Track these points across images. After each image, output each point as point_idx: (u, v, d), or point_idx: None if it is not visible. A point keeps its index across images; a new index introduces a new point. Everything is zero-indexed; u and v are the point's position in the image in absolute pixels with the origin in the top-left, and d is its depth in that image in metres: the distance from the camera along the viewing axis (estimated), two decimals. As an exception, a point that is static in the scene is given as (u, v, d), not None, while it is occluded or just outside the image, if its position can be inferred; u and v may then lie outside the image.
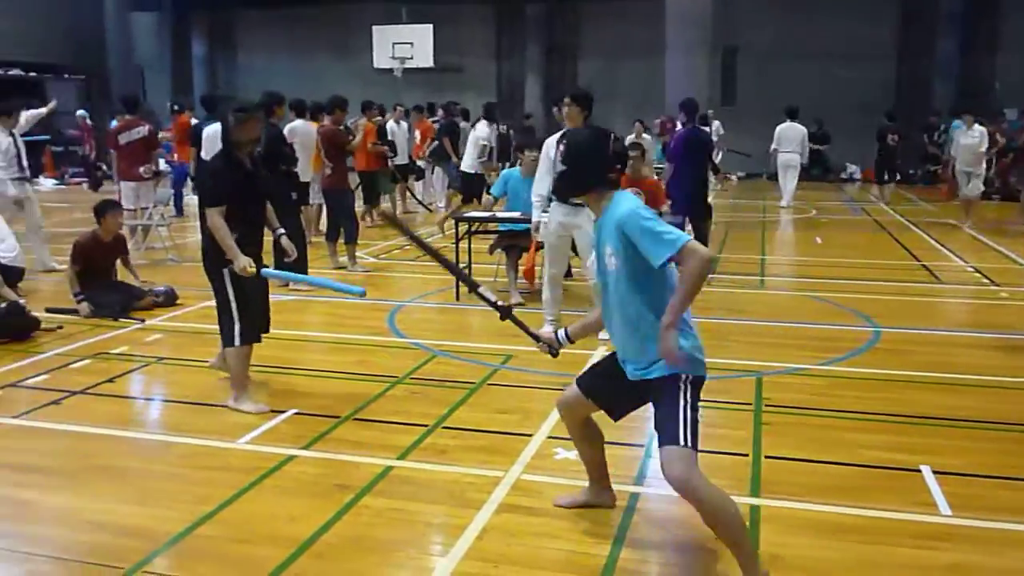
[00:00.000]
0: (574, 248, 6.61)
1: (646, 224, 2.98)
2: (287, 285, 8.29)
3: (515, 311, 3.78)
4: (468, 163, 12.38)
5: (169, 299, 7.72)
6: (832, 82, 21.23)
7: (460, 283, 8.10)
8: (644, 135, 15.53)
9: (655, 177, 9.99)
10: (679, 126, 11.21)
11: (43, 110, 11.08)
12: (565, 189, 3.45)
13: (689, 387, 3.08)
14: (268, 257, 5.41)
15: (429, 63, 20.55)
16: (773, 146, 16.06)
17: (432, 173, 15.83)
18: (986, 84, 20.35)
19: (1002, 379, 5.59)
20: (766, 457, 4.32)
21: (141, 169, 10.37)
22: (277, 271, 5.42)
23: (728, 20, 21.18)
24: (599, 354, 5.88)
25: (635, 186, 7.52)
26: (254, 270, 4.86)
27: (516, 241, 8.04)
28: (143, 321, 7.15)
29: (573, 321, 3.70)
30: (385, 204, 14.45)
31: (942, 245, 11.32)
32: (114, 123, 12.12)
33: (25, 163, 9.44)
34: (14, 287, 7.73)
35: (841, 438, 4.58)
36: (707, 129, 14.88)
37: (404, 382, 5.58)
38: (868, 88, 21.17)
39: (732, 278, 9.10)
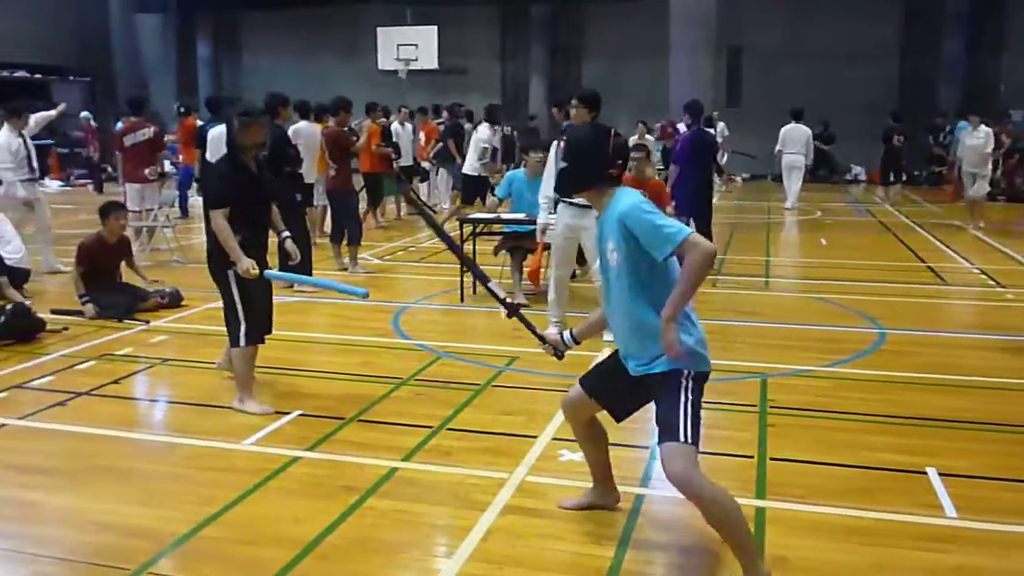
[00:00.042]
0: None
1: (647, 217, 2.97)
2: (292, 286, 8.30)
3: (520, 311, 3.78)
4: (470, 165, 12.38)
5: (174, 300, 7.73)
6: (837, 83, 21.20)
7: (473, 276, 8.13)
8: (647, 136, 15.52)
9: (658, 178, 9.98)
10: (683, 128, 11.22)
11: (52, 112, 11.11)
12: (566, 186, 3.45)
13: (691, 383, 3.06)
14: (273, 259, 5.42)
15: (433, 65, 20.55)
16: (777, 147, 16.04)
17: (436, 175, 15.84)
18: (992, 85, 20.31)
19: (1008, 381, 5.58)
20: (771, 459, 4.31)
21: (146, 171, 10.38)
22: (280, 273, 5.43)
23: (732, 21, 21.17)
24: (603, 356, 5.87)
25: (639, 187, 7.52)
26: (257, 272, 4.87)
27: (520, 242, 8.04)
28: (148, 322, 7.17)
29: (578, 323, 3.69)
30: (389, 205, 14.49)
31: (947, 246, 11.30)
32: (119, 125, 12.15)
33: (35, 164, 9.47)
34: (20, 288, 7.76)
35: (846, 440, 4.57)
36: (712, 131, 14.89)
37: (409, 383, 5.58)
38: (873, 89, 21.15)
39: (737, 279, 9.10)
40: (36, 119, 10.24)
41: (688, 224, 8.64)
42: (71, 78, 23.92)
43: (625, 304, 3.14)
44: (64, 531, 3.64)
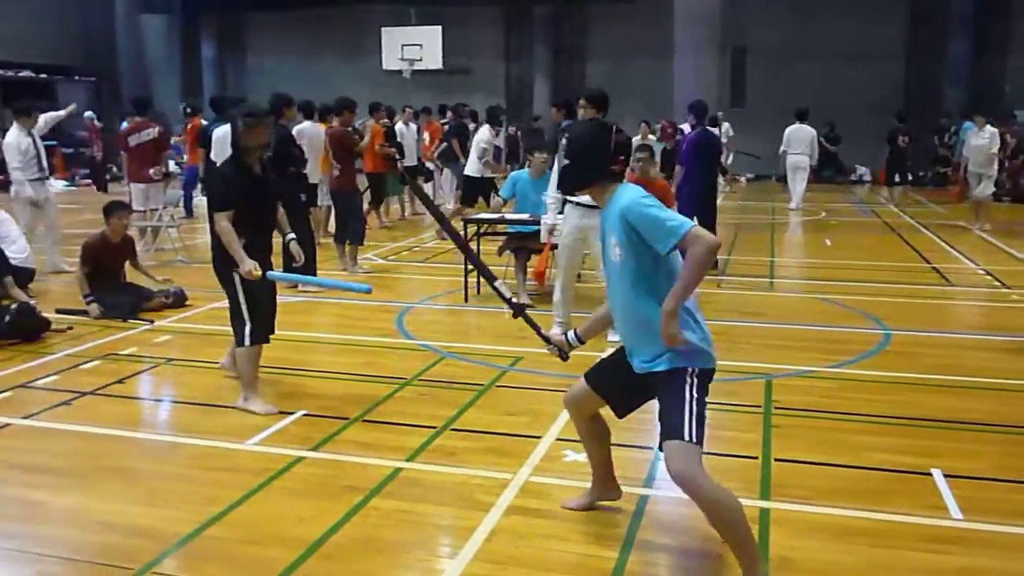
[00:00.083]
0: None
1: (649, 211, 2.97)
2: (296, 287, 8.31)
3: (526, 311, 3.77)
4: (471, 167, 12.37)
5: (178, 300, 7.74)
6: (841, 83, 21.18)
7: (479, 275, 8.12)
8: (650, 136, 15.50)
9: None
10: (688, 128, 11.22)
11: (62, 112, 11.13)
12: (569, 183, 3.44)
13: (696, 380, 3.04)
14: (278, 259, 5.42)
15: (438, 65, 20.57)
16: (782, 148, 16.02)
17: (441, 175, 15.85)
18: (997, 86, 20.27)
19: (1013, 382, 5.56)
20: (776, 460, 4.31)
21: (151, 171, 10.40)
22: (284, 273, 5.43)
23: (737, 21, 21.17)
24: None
25: (644, 187, 7.51)
26: (259, 273, 4.87)
27: (525, 243, 8.04)
28: (152, 322, 7.17)
29: (581, 323, 3.69)
30: (393, 206, 14.49)
31: (952, 247, 11.28)
32: (124, 125, 12.17)
33: (45, 163, 9.49)
34: (25, 288, 7.77)
35: (851, 441, 4.56)
36: (716, 131, 14.86)
37: (413, 384, 5.58)
38: (877, 90, 21.12)
39: (741, 280, 9.09)
40: (46, 118, 10.26)
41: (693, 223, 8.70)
42: (76, 78, 23.97)
43: (628, 300, 3.13)
44: (68, 531, 3.64)
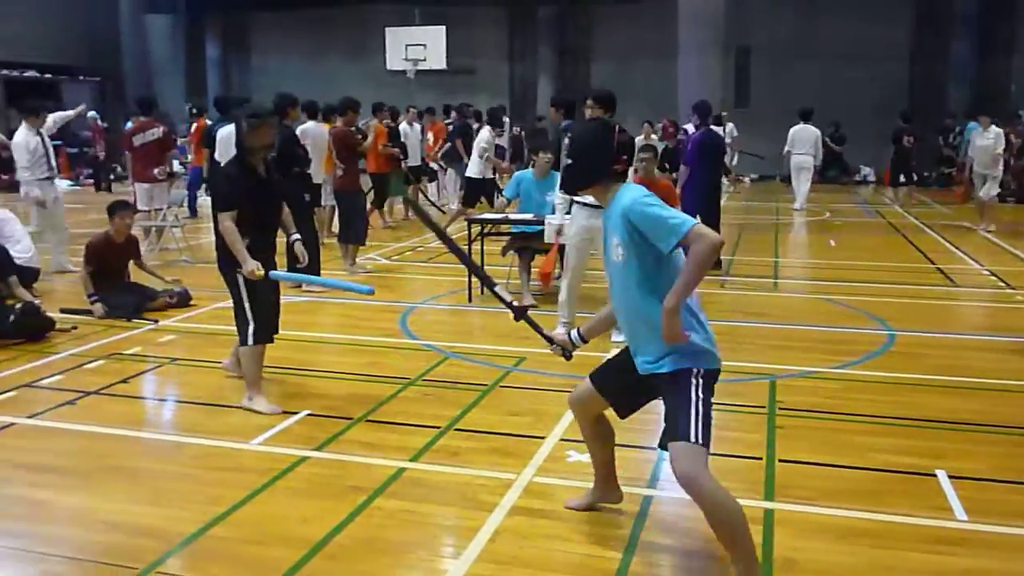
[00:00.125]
0: None
1: (650, 210, 2.96)
2: (300, 287, 8.31)
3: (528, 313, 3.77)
4: (472, 168, 12.36)
5: (183, 300, 7.75)
6: (846, 84, 21.16)
7: (478, 280, 8.11)
8: (652, 136, 15.50)
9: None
10: (692, 129, 11.22)
11: (71, 112, 11.16)
12: (571, 182, 3.43)
13: (701, 381, 3.02)
14: (282, 259, 5.43)
15: (442, 65, 20.57)
16: (786, 148, 16.00)
17: (445, 175, 15.85)
18: (1002, 86, 20.24)
19: (1018, 383, 5.55)
20: (780, 460, 4.30)
21: (155, 171, 10.42)
22: (287, 273, 5.44)
23: (741, 21, 21.14)
24: (611, 356, 5.86)
25: (647, 187, 7.51)
26: (262, 273, 4.88)
27: (529, 243, 8.03)
28: (156, 322, 7.18)
29: (585, 322, 3.68)
30: (397, 206, 14.50)
31: (957, 248, 11.26)
32: (129, 125, 12.19)
33: (54, 163, 9.51)
34: (29, 288, 7.78)
35: (855, 442, 4.55)
36: (720, 131, 14.84)
37: (416, 384, 5.59)
38: (882, 90, 21.09)
39: (745, 280, 9.08)
40: (55, 118, 10.28)
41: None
42: (81, 78, 24.03)
43: (632, 300, 3.12)
44: (73, 530, 3.65)
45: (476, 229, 8.32)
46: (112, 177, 20.26)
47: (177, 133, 16.63)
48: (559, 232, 6.73)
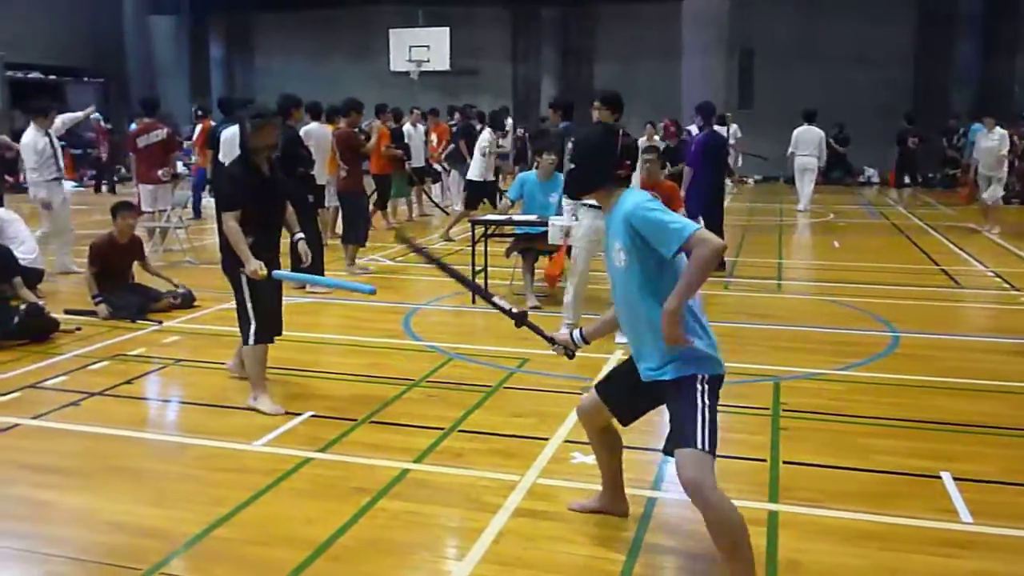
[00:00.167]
0: None
1: (653, 215, 2.95)
2: (303, 287, 8.32)
3: (531, 315, 3.77)
4: (473, 171, 12.35)
5: (186, 301, 7.75)
6: (849, 85, 21.13)
7: (486, 277, 8.11)
8: (655, 137, 15.49)
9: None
10: (695, 130, 11.21)
11: (80, 114, 11.17)
12: (574, 187, 3.42)
13: (707, 387, 3.01)
14: (286, 259, 5.43)
15: (445, 66, 20.58)
16: (790, 149, 15.98)
17: (448, 176, 15.85)
18: (1006, 87, 20.20)
19: (1023, 385, 5.53)
20: (784, 462, 4.29)
21: (159, 172, 10.42)
22: (289, 273, 5.44)
23: (745, 22, 21.12)
24: (616, 358, 5.86)
25: (652, 189, 7.50)
26: (265, 273, 4.89)
27: (532, 244, 8.03)
28: (160, 323, 7.19)
29: (591, 323, 3.68)
30: (400, 207, 14.50)
31: (961, 249, 11.23)
32: (133, 126, 12.20)
33: (62, 164, 9.53)
34: (34, 289, 7.77)
35: (860, 443, 4.54)
36: (723, 130, 14.79)
37: (420, 385, 5.58)
38: (885, 91, 21.07)
39: (749, 282, 9.07)
40: (63, 119, 10.29)
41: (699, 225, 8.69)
42: (85, 79, 24.07)
43: (633, 305, 3.12)
44: (77, 531, 3.65)
45: (480, 230, 8.31)
46: (116, 179, 20.29)
47: (181, 134, 16.66)
48: (567, 234, 6.70)
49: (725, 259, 9.60)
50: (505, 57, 25.00)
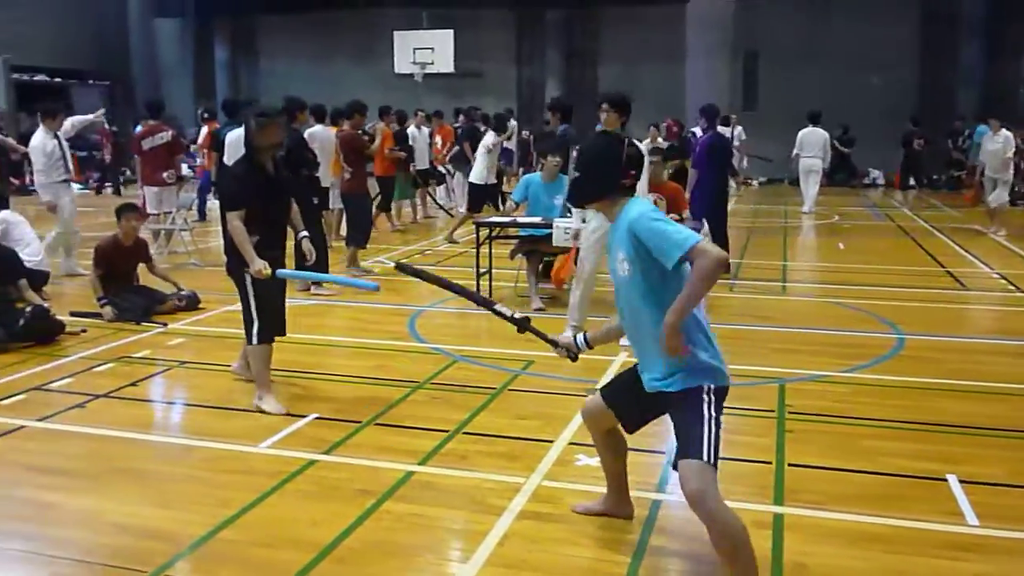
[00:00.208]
0: None
1: (656, 225, 2.95)
2: (308, 288, 8.33)
3: (535, 316, 3.77)
4: (475, 174, 12.35)
5: (191, 303, 7.76)
6: (854, 87, 21.10)
7: (490, 280, 8.10)
8: (659, 139, 15.48)
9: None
10: (699, 132, 11.19)
11: (90, 116, 11.19)
12: (579, 196, 3.41)
13: (714, 398, 3.01)
14: (291, 261, 5.44)
15: (449, 68, 20.60)
16: (795, 151, 15.96)
17: (453, 179, 15.87)
18: (1011, 89, 20.16)
19: (1029, 387, 5.53)
20: (789, 465, 4.28)
21: (164, 174, 10.44)
22: (293, 271, 5.46)
23: (749, 24, 21.12)
24: (620, 360, 5.86)
25: (656, 191, 7.50)
26: (269, 272, 4.91)
27: (537, 246, 8.02)
28: (165, 325, 7.20)
29: (596, 327, 3.68)
30: (405, 209, 14.51)
31: (967, 251, 11.21)
32: (138, 128, 12.22)
33: (70, 166, 9.55)
34: (39, 291, 7.80)
35: (865, 446, 4.53)
36: (727, 130, 14.78)
37: (425, 387, 5.58)
38: (890, 93, 21.04)
39: (754, 284, 9.06)
40: (73, 122, 10.32)
41: (703, 227, 8.68)
42: (90, 82, 24.13)
43: (638, 315, 3.11)
44: (82, 533, 3.65)
45: (484, 232, 8.31)
46: (121, 181, 20.32)
47: (186, 137, 16.68)
48: (576, 236, 6.68)
49: (730, 261, 9.61)
50: (509, 59, 25.02)
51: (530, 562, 3.35)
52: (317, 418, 4.97)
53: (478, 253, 8.14)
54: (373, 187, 11.06)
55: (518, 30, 25.03)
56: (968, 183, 17.38)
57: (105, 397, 5.40)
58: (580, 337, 3.55)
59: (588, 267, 6.46)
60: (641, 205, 3.10)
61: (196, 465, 4.36)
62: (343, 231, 10.54)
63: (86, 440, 4.70)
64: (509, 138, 15.92)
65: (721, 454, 3.01)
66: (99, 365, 6.09)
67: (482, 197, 12.23)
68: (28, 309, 6.70)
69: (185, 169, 12.69)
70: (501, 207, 12.10)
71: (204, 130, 14.19)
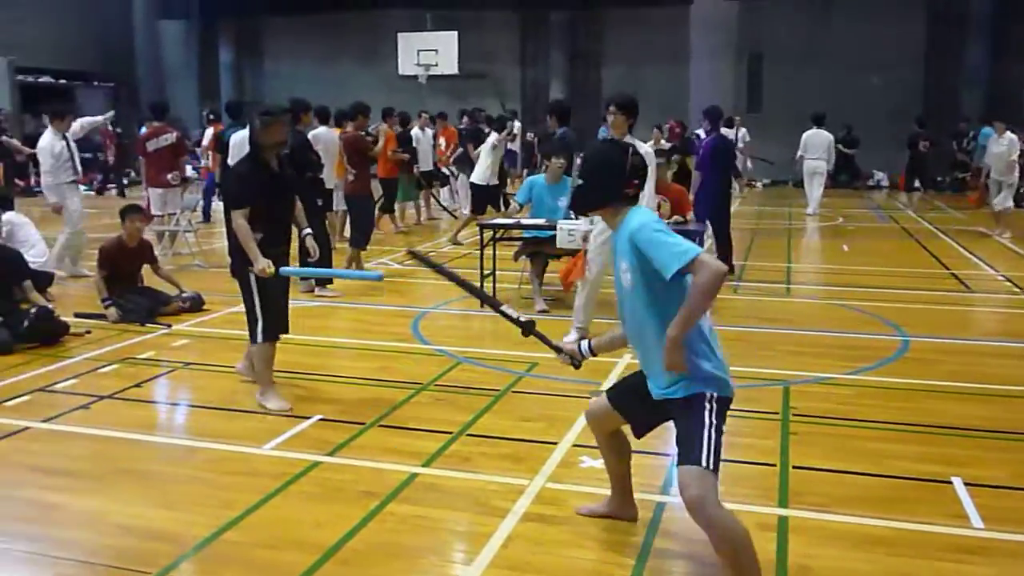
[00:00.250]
0: None
1: (657, 236, 2.94)
2: (312, 291, 8.34)
3: (540, 318, 3.76)
4: (477, 175, 12.34)
5: (196, 305, 7.76)
6: (858, 88, 21.07)
7: (482, 303, 8.10)
8: (662, 141, 15.46)
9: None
10: (703, 134, 11.19)
11: (99, 118, 11.21)
12: (581, 204, 3.39)
13: (716, 406, 3.00)
14: (295, 262, 5.45)
15: (454, 70, 20.61)
16: (799, 153, 15.94)
17: (456, 180, 15.87)
18: (1015, 90, 20.10)
19: (1034, 390, 5.51)
20: (793, 467, 4.28)
21: (169, 176, 10.46)
22: (296, 268, 5.48)
23: (753, 26, 21.12)
24: (624, 362, 5.85)
25: (660, 194, 7.49)
26: (273, 271, 4.92)
27: (541, 248, 8.02)
28: (170, 326, 7.21)
29: (601, 329, 3.67)
30: (409, 210, 14.52)
31: (971, 253, 11.19)
32: (143, 130, 12.25)
33: (79, 167, 9.57)
34: (43, 292, 7.81)
35: (870, 448, 4.52)
36: (731, 132, 14.75)
37: (428, 389, 5.58)
38: (895, 94, 20.99)
39: (758, 286, 9.04)
40: (82, 123, 10.35)
41: (706, 229, 8.68)
42: (95, 83, 24.17)
43: (642, 324, 3.10)
44: (86, 534, 3.65)
45: (488, 234, 8.31)
46: (125, 182, 20.35)
47: (190, 138, 16.71)
48: (585, 238, 6.66)
49: (734, 263, 9.60)
50: (514, 61, 25.03)
51: (534, 564, 3.34)
52: (321, 419, 4.97)
53: (482, 255, 8.13)
54: (376, 189, 11.06)
55: (522, 32, 25.04)
56: (973, 185, 17.35)
57: (109, 398, 5.41)
58: (584, 344, 3.54)
59: (595, 269, 6.45)
60: (643, 215, 3.09)
61: (200, 466, 4.36)
62: (347, 232, 10.54)
63: (90, 441, 4.71)
64: (513, 139, 15.92)
65: (726, 456, 3.01)
66: (103, 366, 6.10)
67: (484, 198, 12.23)
68: (33, 310, 6.71)
69: (189, 171, 12.69)
70: (503, 208, 12.10)
71: (209, 132, 14.22)
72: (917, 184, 17.29)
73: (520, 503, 3.85)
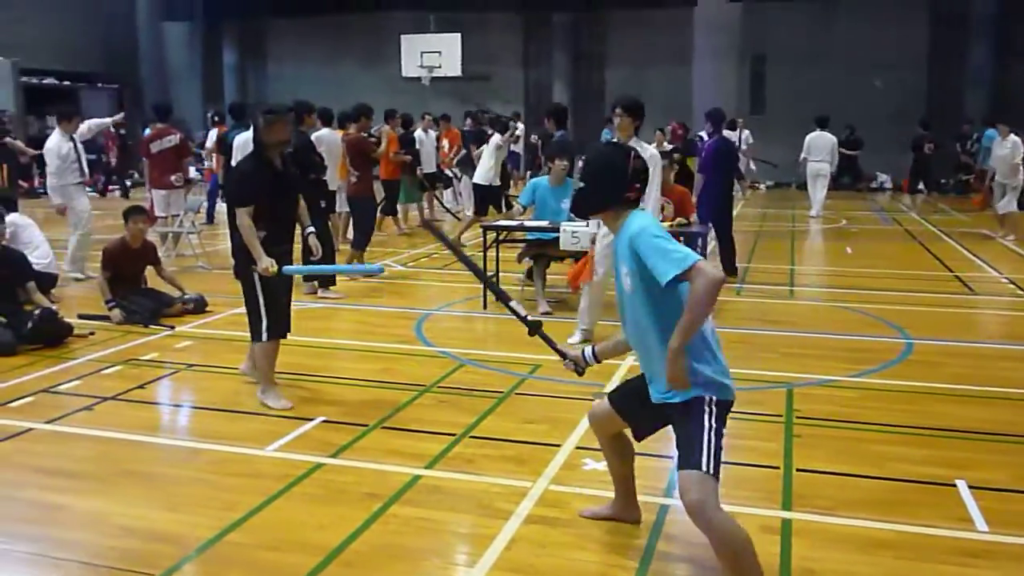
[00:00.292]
0: None
1: (655, 242, 2.93)
2: (315, 292, 8.35)
3: (544, 320, 3.76)
4: (479, 176, 12.34)
5: (199, 306, 7.77)
6: (861, 90, 21.04)
7: (489, 293, 8.10)
8: (664, 143, 15.44)
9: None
10: (705, 136, 11.19)
11: (107, 120, 11.23)
12: (583, 207, 3.37)
13: (715, 410, 2.99)
14: (298, 262, 5.45)
15: (457, 72, 20.61)
16: (803, 155, 15.93)
17: (460, 182, 15.87)
18: (1019, 91, 20.05)
19: (1039, 392, 5.50)
20: (797, 470, 4.27)
21: (172, 177, 10.47)
22: (299, 267, 5.49)
23: (757, 28, 21.09)
24: (628, 365, 5.85)
25: (663, 195, 7.48)
26: (276, 269, 4.94)
27: (544, 250, 8.01)
28: (173, 328, 7.21)
29: (605, 332, 3.67)
30: (412, 212, 14.52)
31: (975, 256, 11.17)
32: (147, 131, 12.26)
33: (86, 169, 9.60)
34: (47, 293, 7.83)
35: (874, 451, 4.51)
36: (734, 133, 14.72)
37: (432, 391, 5.58)
38: (898, 96, 20.96)
39: (761, 288, 9.03)
40: (90, 125, 10.36)
41: (708, 231, 8.67)
42: (99, 85, 24.19)
43: (643, 329, 3.10)
44: (89, 535, 3.65)
45: (491, 236, 8.31)
46: (129, 184, 20.38)
47: (194, 140, 16.74)
48: (593, 241, 6.64)
49: (737, 265, 9.59)
50: (517, 63, 25.03)
51: (537, 567, 3.34)
52: (324, 421, 4.98)
53: (485, 256, 8.12)
54: (379, 191, 11.07)
55: (525, 33, 25.05)
56: (976, 187, 17.32)
57: (113, 400, 5.41)
58: (588, 350, 3.54)
59: (601, 271, 6.44)
60: (643, 219, 3.08)
61: (203, 468, 4.37)
62: (350, 234, 10.54)
63: (94, 442, 4.71)
64: (515, 140, 15.92)
65: (729, 458, 3.01)
66: (107, 368, 6.10)
67: (486, 198, 12.23)
68: (36, 312, 6.72)
69: (193, 172, 12.73)
70: (504, 210, 12.10)
71: (213, 134, 14.22)
72: (921, 186, 17.24)
73: (523, 505, 3.85)
